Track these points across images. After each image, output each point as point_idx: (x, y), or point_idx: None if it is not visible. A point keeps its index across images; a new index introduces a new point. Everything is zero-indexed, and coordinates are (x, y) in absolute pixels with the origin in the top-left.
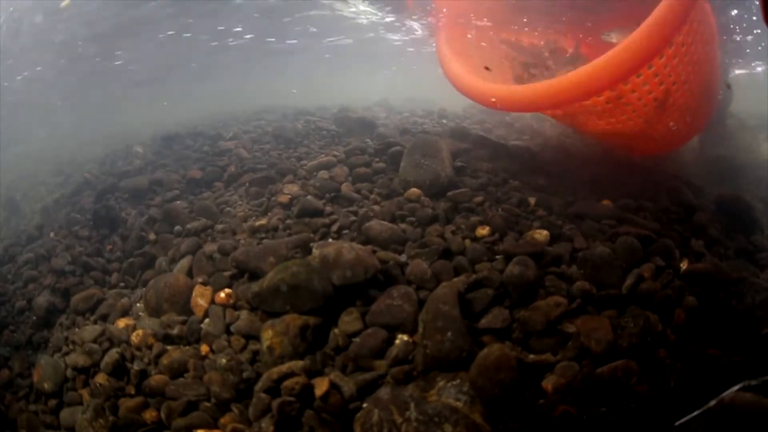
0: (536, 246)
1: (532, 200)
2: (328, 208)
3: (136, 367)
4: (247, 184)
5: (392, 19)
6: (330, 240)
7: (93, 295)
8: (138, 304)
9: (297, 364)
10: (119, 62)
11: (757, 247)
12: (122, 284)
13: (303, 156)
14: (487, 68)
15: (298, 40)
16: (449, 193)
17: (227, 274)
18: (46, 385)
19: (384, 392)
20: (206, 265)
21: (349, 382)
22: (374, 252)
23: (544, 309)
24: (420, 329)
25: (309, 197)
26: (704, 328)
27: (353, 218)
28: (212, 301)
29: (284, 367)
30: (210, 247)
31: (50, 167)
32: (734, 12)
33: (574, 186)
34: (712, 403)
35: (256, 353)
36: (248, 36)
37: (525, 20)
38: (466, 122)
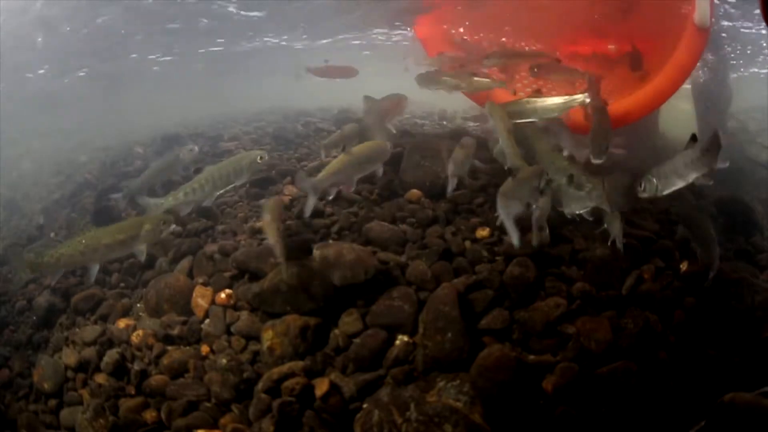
0: (536, 247)
1: None
2: (329, 209)
3: (136, 367)
4: (247, 186)
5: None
6: (330, 241)
7: (93, 295)
8: (138, 305)
9: (297, 365)
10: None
11: (757, 248)
12: (122, 284)
13: (303, 157)
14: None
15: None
16: (449, 194)
17: (228, 274)
18: (46, 385)
19: (384, 393)
20: (207, 266)
21: (350, 382)
22: (374, 253)
23: (543, 310)
24: (420, 330)
25: None
26: (704, 329)
27: (354, 219)
28: (213, 302)
29: (284, 368)
30: (210, 248)
31: (50, 167)
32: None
33: None
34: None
35: (256, 354)
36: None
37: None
38: (466, 124)
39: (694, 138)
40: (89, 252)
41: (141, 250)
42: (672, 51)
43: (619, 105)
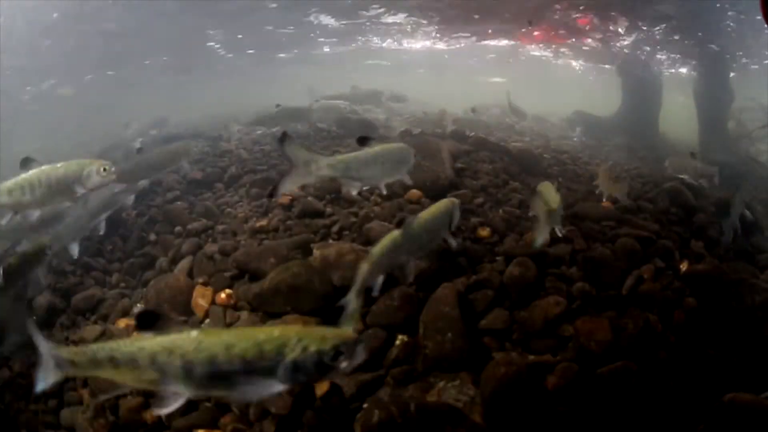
0: (536, 247)
1: None
2: (329, 209)
3: None
4: (247, 185)
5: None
6: (330, 241)
7: (93, 295)
8: (139, 305)
9: None
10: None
11: (757, 248)
12: (123, 284)
13: None
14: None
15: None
16: (450, 195)
17: (228, 274)
18: None
19: (384, 393)
20: (207, 266)
21: (350, 382)
22: None
23: (544, 310)
24: (420, 330)
25: (309, 198)
26: (704, 329)
27: (354, 219)
28: (213, 302)
29: None
30: (211, 248)
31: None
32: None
33: (574, 187)
34: None
35: None
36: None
37: None
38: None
39: None
40: None
41: None
42: None
43: None
